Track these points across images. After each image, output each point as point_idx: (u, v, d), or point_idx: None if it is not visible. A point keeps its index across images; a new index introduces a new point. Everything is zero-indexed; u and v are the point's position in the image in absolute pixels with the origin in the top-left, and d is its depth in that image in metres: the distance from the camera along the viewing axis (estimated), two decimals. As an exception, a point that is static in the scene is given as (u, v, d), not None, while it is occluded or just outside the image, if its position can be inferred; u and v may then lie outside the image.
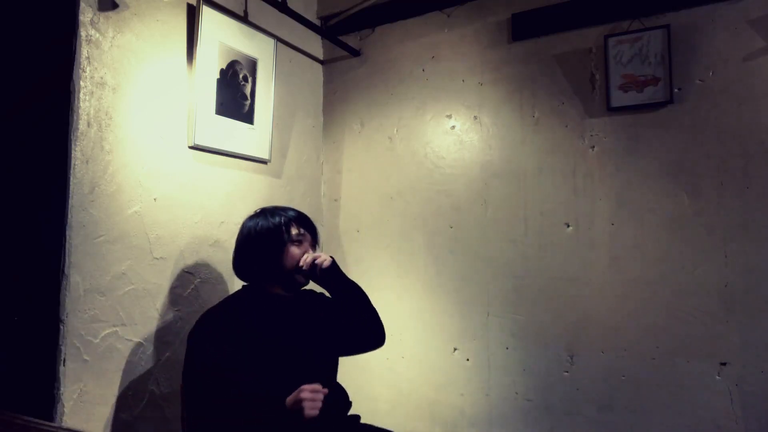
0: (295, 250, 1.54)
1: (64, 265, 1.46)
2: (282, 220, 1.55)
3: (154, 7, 1.74)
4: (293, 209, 1.62)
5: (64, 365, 1.44)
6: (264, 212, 1.59)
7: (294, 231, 1.55)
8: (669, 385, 1.86)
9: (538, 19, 2.14)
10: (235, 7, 2.04)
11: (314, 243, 1.62)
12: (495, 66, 2.24)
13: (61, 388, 1.44)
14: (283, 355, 1.47)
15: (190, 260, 1.85)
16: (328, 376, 1.61)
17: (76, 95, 1.51)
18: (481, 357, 2.19)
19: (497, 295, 2.17)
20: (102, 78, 1.57)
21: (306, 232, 1.58)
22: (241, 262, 1.58)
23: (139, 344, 1.66)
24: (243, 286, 1.62)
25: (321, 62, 2.63)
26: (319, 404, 1.29)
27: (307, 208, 2.48)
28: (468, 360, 2.21)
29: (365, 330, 1.64)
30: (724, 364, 1.79)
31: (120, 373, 1.60)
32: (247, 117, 2.08)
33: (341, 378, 1.67)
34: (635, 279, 1.94)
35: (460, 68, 2.32)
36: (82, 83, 1.52)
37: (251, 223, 1.57)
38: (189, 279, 1.84)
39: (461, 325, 2.23)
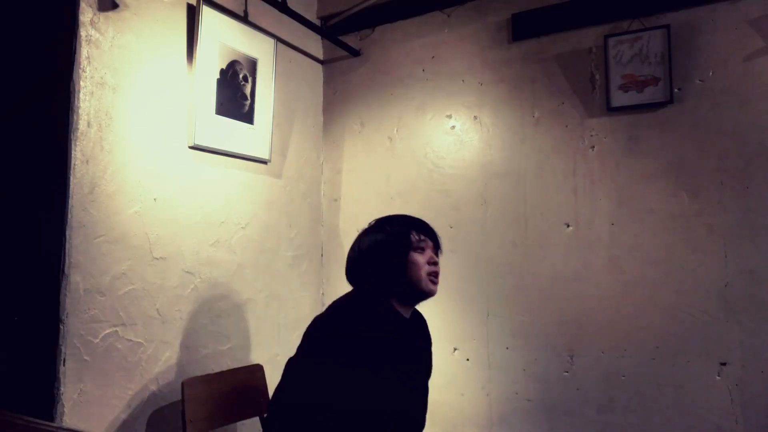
0: (418, 257, 1.43)
1: (64, 265, 1.46)
2: (400, 230, 1.45)
3: (154, 7, 1.74)
4: (410, 216, 1.53)
5: (64, 365, 1.44)
6: (379, 223, 1.50)
7: (414, 238, 1.45)
8: (669, 385, 1.86)
9: (538, 19, 2.14)
10: (235, 7, 2.04)
11: (436, 249, 1.51)
12: (495, 66, 2.24)
13: (61, 388, 1.44)
14: (407, 386, 1.43)
15: (190, 260, 1.85)
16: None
17: (76, 95, 1.51)
18: (481, 357, 2.18)
19: (497, 295, 2.17)
20: (102, 78, 1.57)
21: (426, 238, 1.47)
22: (360, 271, 1.48)
23: (139, 344, 1.66)
24: (367, 293, 1.46)
25: (321, 62, 2.63)
26: None
27: (307, 208, 2.48)
28: (468, 360, 2.21)
29: None
30: (724, 364, 1.79)
31: (120, 373, 1.60)
32: (247, 117, 2.08)
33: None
34: (635, 279, 1.94)
35: (460, 68, 2.32)
36: (82, 83, 1.52)
37: (369, 238, 1.48)
38: (189, 279, 1.84)
39: (461, 325, 2.23)
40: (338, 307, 1.42)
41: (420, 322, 1.62)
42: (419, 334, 1.59)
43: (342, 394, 1.28)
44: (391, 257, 1.43)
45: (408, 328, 1.50)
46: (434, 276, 1.46)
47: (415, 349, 1.52)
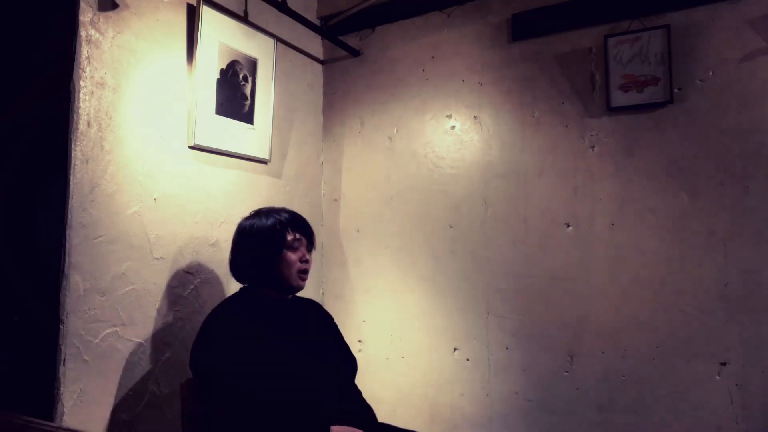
0: (291, 256, 1.54)
1: (64, 265, 1.46)
2: (277, 225, 1.53)
3: (154, 7, 1.74)
4: (287, 211, 1.60)
5: (64, 365, 1.44)
6: (259, 214, 1.59)
7: (289, 237, 1.54)
8: (669, 385, 1.86)
9: (538, 19, 2.14)
10: (235, 7, 2.04)
11: (310, 247, 1.61)
12: (495, 66, 2.24)
13: (61, 388, 1.44)
14: (303, 359, 1.50)
15: (190, 260, 1.85)
16: (349, 381, 1.66)
17: (76, 95, 1.51)
18: (481, 357, 2.18)
19: (497, 295, 2.17)
20: (102, 78, 1.57)
21: (302, 237, 1.57)
22: (237, 265, 1.59)
23: (139, 344, 1.66)
24: (241, 288, 1.62)
25: (321, 62, 2.63)
26: None
27: (307, 208, 2.48)
28: (468, 360, 2.21)
29: None
30: (724, 364, 1.79)
31: (120, 373, 1.60)
32: (247, 117, 2.08)
33: (341, 378, 1.67)
34: (635, 279, 1.94)
35: (460, 68, 2.32)
36: (82, 83, 1.52)
37: (246, 225, 1.57)
38: (189, 279, 1.84)
39: (461, 325, 2.23)
40: (212, 314, 1.51)
41: (308, 303, 1.73)
42: (307, 310, 1.68)
43: (248, 379, 1.36)
44: (266, 254, 1.52)
45: (286, 307, 1.59)
46: (304, 273, 1.57)
47: (302, 319, 1.62)
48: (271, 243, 1.52)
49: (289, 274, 1.53)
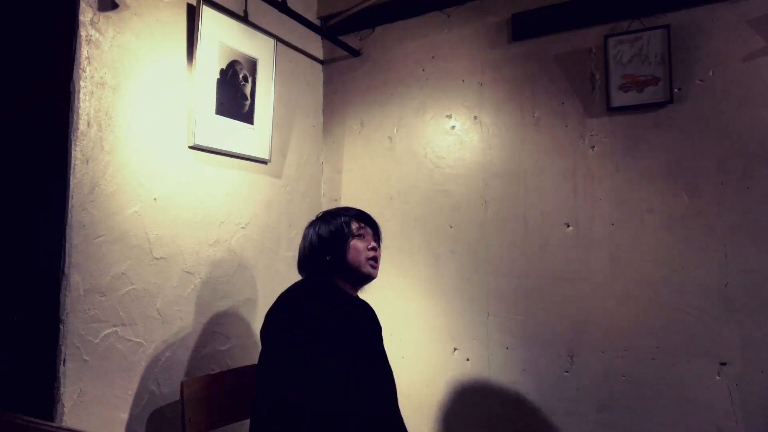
0: (358, 243, 1.56)
1: (64, 265, 1.46)
2: (342, 220, 1.58)
3: (154, 7, 1.74)
4: (353, 208, 1.65)
5: (64, 365, 1.44)
6: (324, 216, 1.62)
7: (354, 226, 1.57)
8: (669, 385, 1.86)
9: (538, 19, 2.14)
10: (235, 7, 2.04)
11: (376, 237, 1.63)
12: (495, 66, 2.24)
13: (61, 388, 1.44)
14: (379, 360, 1.57)
15: (190, 260, 1.85)
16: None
17: (76, 95, 1.51)
18: (481, 357, 2.18)
19: (497, 295, 2.17)
20: (102, 78, 1.57)
21: (366, 227, 1.60)
22: (307, 265, 1.60)
23: (139, 344, 1.66)
24: (309, 279, 1.60)
25: (321, 62, 2.63)
26: None
27: (307, 208, 2.48)
28: (468, 360, 2.21)
29: None
30: (724, 364, 1.79)
31: (120, 373, 1.60)
32: (247, 117, 2.08)
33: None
34: (635, 279, 1.94)
35: (460, 68, 2.32)
36: (82, 83, 1.52)
37: (312, 230, 1.60)
38: (189, 279, 1.84)
39: (461, 325, 2.23)
40: (288, 296, 1.52)
41: (367, 306, 1.71)
42: (368, 313, 1.69)
43: (314, 376, 1.36)
44: (334, 244, 1.54)
45: (356, 305, 1.62)
46: (374, 261, 1.58)
47: (366, 323, 1.64)
48: (338, 236, 1.55)
49: (359, 261, 1.54)
